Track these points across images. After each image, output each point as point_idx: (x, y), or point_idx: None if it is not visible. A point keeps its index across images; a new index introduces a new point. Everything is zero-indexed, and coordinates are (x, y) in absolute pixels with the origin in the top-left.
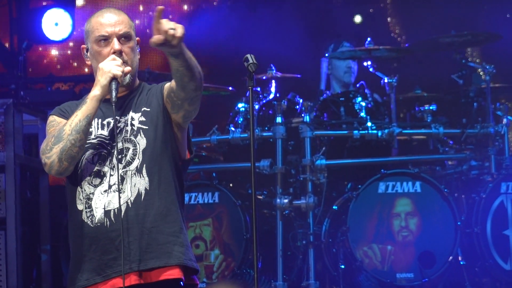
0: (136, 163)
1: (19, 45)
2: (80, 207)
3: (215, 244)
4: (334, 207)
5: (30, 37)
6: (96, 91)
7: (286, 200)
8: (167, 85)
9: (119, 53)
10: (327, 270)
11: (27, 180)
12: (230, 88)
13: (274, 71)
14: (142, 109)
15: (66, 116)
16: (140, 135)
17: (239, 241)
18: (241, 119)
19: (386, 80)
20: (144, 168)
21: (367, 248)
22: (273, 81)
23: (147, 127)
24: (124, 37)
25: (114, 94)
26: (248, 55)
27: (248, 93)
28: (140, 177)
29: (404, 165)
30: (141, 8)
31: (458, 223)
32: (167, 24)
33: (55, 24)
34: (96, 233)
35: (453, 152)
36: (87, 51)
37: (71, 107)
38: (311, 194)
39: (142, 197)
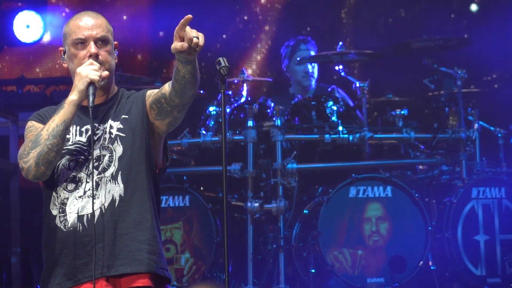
0: (112, 170)
1: None
2: (54, 212)
3: (185, 247)
4: (305, 211)
5: (1, 39)
6: (73, 96)
7: (257, 204)
8: (150, 92)
9: (95, 56)
10: (297, 274)
11: None
12: (201, 92)
13: (246, 75)
14: (121, 117)
15: (45, 121)
16: (117, 142)
17: (210, 245)
18: (212, 122)
19: (357, 85)
20: (119, 175)
21: (338, 253)
22: (245, 84)
23: (124, 135)
24: (101, 41)
25: (91, 99)
26: (221, 58)
27: (219, 96)
28: (115, 184)
29: (375, 170)
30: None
31: (429, 228)
32: (192, 33)
33: (27, 26)
34: (69, 237)
35: (424, 156)
36: (64, 54)
37: (50, 112)
38: (282, 198)
39: (116, 203)
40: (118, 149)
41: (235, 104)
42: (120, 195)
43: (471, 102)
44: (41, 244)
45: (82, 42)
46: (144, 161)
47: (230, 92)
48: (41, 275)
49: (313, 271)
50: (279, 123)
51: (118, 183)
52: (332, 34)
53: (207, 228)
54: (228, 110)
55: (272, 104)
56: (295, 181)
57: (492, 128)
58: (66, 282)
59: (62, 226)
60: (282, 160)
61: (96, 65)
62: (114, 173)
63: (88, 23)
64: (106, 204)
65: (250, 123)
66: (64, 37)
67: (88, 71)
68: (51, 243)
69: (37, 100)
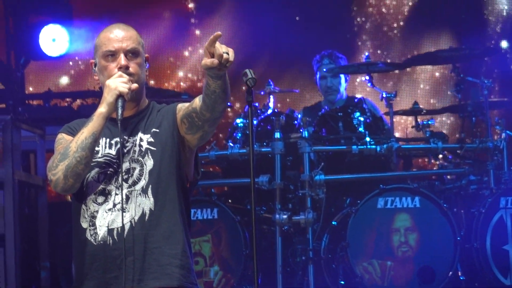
0: (142, 183)
1: (16, 61)
2: (84, 225)
3: (214, 260)
4: (333, 223)
5: (28, 53)
6: (102, 109)
7: (285, 216)
8: (181, 105)
9: (125, 68)
10: (326, 286)
11: (26, 196)
12: (228, 104)
13: (272, 86)
14: (152, 130)
15: (74, 133)
16: (148, 155)
17: (239, 257)
18: (240, 134)
19: (384, 95)
20: (149, 189)
21: (367, 264)
22: (271, 96)
23: (155, 149)
24: (131, 53)
25: (120, 112)
26: (247, 70)
27: (246, 108)
28: (145, 197)
29: (403, 180)
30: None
31: (458, 238)
32: (221, 49)
33: (53, 40)
34: (99, 251)
35: (452, 167)
36: (95, 66)
37: (80, 125)
38: (310, 210)
39: (146, 217)
40: (149, 163)
41: (262, 116)
42: (150, 209)
43: (498, 111)
44: (72, 256)
45: (113, 54)
46: (174, 175)
47: (257, 104)
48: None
49: (342, 282)
50: (306, 135)
51: (148, 197)
52: (358, 46)
53: (235, 240)
54: (255, 122)
55: (299, 116)
56: (323, 193)
57: None
58: None
59: (92, 240)
60: (310, 171)
61: (125, 77)
62: (144, 187)
63: (119, 35)
64: (136, 218)
65: (277, 135)
66: (95, 49)
67: (117, 83)
68: (81, 256)
69: (64, 114)
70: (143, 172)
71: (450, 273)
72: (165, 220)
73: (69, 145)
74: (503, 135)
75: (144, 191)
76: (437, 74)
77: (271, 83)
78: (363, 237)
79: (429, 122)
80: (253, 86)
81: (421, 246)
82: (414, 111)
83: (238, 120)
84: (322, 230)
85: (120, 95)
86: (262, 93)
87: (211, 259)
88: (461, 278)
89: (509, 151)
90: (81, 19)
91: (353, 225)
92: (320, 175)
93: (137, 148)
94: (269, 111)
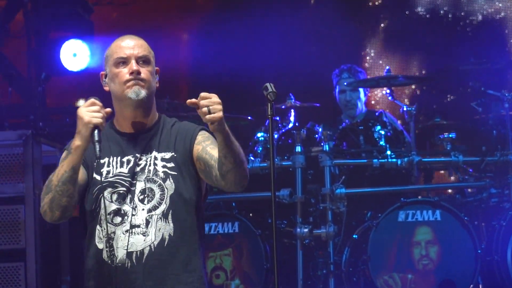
0: (163, 207)
1: (37, 76)
2: (100, 246)
3: (235, 274)
4: (354, 236)
5: (48, 68)
6: (77, 142)
7: (306, 230)
8: (201, 138)
9: (136, 73)
10: None
11: None
12: (249, 118)
13: (293, 100)
14: (169, 153)
15: None
16: (169, 180)
17: (260, 271)
18: (260, 148)
19: (405, 109)
20: (170, 214)
21: (388, 277)
22: (292, 110)
23: (176, 173)
24: (142, 60)
25: (97, 148)
26: (268, 84)
27: (267, 122)
28: (166, 222)
29: (424, 194)
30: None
31: (479, 251)
32: (203, 101)
33: (73, 55)
34: (116, 273)
35: (473, 180)
36: (105, 77)
37: None
38: (331, 223)
39: (166, 242)
40: (170, 187)
41: (283, 130)
42: (169, 235)
43: None
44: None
45: (124, 62)
46: (194, 200)
47: (277, 118)
48: None
49: None
50: (327, 148)
51: (168, 222)
52: (378, 59)
53: (256, 254)
54: (276, 136)
55: (320, 130)
56: (344, 206)
57: None
58: None
59: (109, 261)
60: (331, 185)
61: (97, 106)
62: (165, 211)
63: (130, 43)
64: (155, 243)
65: (298, 149)
66: (106, 60)
67: (89, 116)
68: (96, 277)
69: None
70: (164, 196)
71: (471, 286)
72: (184, 247)
73: (51, 178)
74: None
75: (164, 216)
76: (458, 87)
77: (292, 96)
78: (384, 250)
79: (450, 136)
80: (274, 100)
81: (442, 259)
82: (434, 124)
83: (259, 134)
84: (343, 243)
85: (95, 128)
86: (283, 107)
87: (232, 273)
88: None
89: None
90: (102, 34)
91: (374, 238)
92: (341, 189)
93: (151, 168)
94: (290, 125)
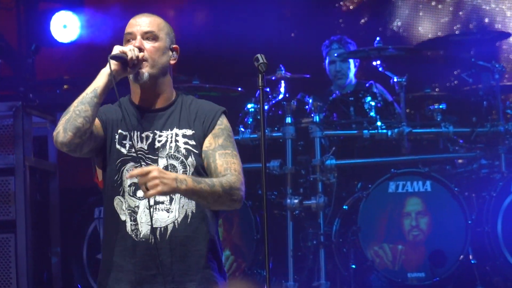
0: None
1: (27, 48)
2: (123, 217)
3: (225, 245)
4: (344, 207)
5: (39, 39)
6: (106, 67)
7: (296, 201)
8: (216, 134)
9: (138, 49)
10: (337, 270)
11: (37, 182)
12: (239, 89)
13: (283, 71)
14: (190, 130)
15: (102, 115)
16: (192, 156)
17: (250, 242)
18: (251, 119)
19: (395, 80)
20: None
21: (378, 248)
22: (283, 81)
23: (197, 151)
24: (149, 36)
25: (112, 68)
26: (259, 55)
27: (257, 93)
28: (188, 199)
29: (414, 165)
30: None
31: (469, 222)
32: (140, 180)
33: (64, 26)
34: (140, 247)
35: (463, 151)
36: None
37: (109, 109)
38: (321, 194)
39: (189, 219)
40: (192, 164)
41: (273, 101)
42: (192, 211)
43: (510, 95)
44: (101, 244)
45: (132, 39)
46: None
47: (268, 89)
48: (98, 275)
49: (353, 266)
50: (317, 120)
51: (190, 199)
52: (368, 30)
53: (247, 225)
54: (266, 107)
55: (310, 101)
56: (334, 177)
57: None
58: None
59: (133, 235)
60: (321, 156)
61: (133, 47)
62: None
63: (139, 20)
64: (179, 220)
65: (288, 120)
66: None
67: (128, 48)
68: (118, 249)
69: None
70: (186, 173)
71: (461, 256)
72: (205, 223)
73: (73, 103)
74: None
75: None
76: (448, 58)
77: (282, 68)
78: (374, 221)
79: (440, 107)
80: (265, 71)
81: (432, 230)
82: (425, 95)
83: (249, 105)
84: (333, 214)
85: (121, 56)
86: (273, 78)
87: (222, 244)
88: (472, 261)
89: None
90: (92, 6)
91: (364, 209)
92: (331, 160)
93: (173, 144)
94: (280, 96)
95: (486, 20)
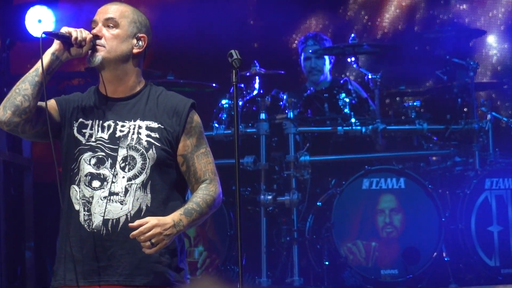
0: (143, 177)
1: (2, 42)
2: (77, 207)
3: (199, 240)
4: (318, 204)
5: (13, 34)
6: (53, 47)
7: (270, 197)
8: (189, 133)
9: (94, 37)
10: (311, 267)
11: (11, 176)
12: (214, 85)
13: (258, 67)
14: (155, 123)
15: (62, 103)
16: (152, 150)
17: (223, 238)
18: (225, 115)
19: (370, 76)
20: (149, 185)
21: (351, 245)
22: (257, 77)
23: (159, 145)
24: (110, 24)
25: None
26: (233, 51)
27: (232, 89)
28: (144, 193)
29: (388, 161)
30: None
31: (443, 219)
32: (142, 237)
33: (38, 21)
34: (91, 238)
35: (437, 148)
36: None
37: (74, 97)
38: (295, 191)
39: (142, 213)
40: (152, 157)
41: (248, 97)
42: (147, 205)
43: (484, 92)
44: (57, 234)
45: (96, 26)
46: (175, 173)
47: (242, 85)
48: (54, 264)
49: (327, 263)
50: (291, 116)
51: (146, 193)
52: (343, 26)
53: (220, 221)
54: (240, 103)
55: (285, 97)
56: (308, 174)
57: (505, 119)
58: (80, 280)
59: (86, 225)
60: (295, 152)
61: (82, 29)
62: (144, 181)
63: (103, 8)
64: (132, 212)
65: (262, 116)
66: None
67: (68, 28)
68: (71, 238)
69: (50, 94)
70: (145, 166)
71: (435, 254)
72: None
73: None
74: (489, 116)
75: (144, 185)
76: (423, 55)
77: (257, 64)
78: (348, 218)
79: (415, 104)
80: (239, 67)
81: (406, 227)
82: (399, 92)
83: (224, 101)
84: (307, 210)
85: (68, 36)
86: (247, 74)
87: (195, 240)
88: (446, 259)
89: (494, 132)
90: (67, 0)
91: (338, 206)
92: (305, 156)
93: (135, 136)
94: (255, 92)
95: (461, 17)
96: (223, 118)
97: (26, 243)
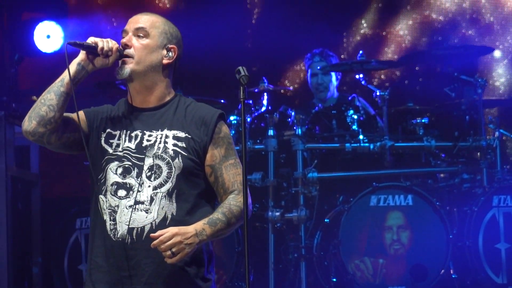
0: (168, 186)
1: (10, 58)
2: (104, 217)
3: None
4: (326, 220)
5: (22, 49)
6: (79, 56)
7: (277, 213)
8: (217, 143)
9: (123, 46)
10: (318, 283)
11: (19, 192)
12: (222, 101)
13: (266, 84)
14: (182, 133)
15: (90, 113)
16: (179, 159)
17: (231, 254)
18: (233, 131)
19: (378, 93)
20: (174, 193)
21: (359, 261)
22: (265, 93)
23: (186, 154)
24: (139, 33)
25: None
26: (240, 67)
27: (240, 105)
28: (170, 201)
29: (396, 178)
30: None
31: (450, 236)
32: (163, 246)
33: (47, 36)
34: (116, 247)
35: (445, 165)
36: None
37: (103, 109)
38: (303, 207)
39: (168, 221)
40: (178, 166)
41: (256, 113)
42: (172, 214)
43: (492, 110)
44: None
45: (125, 35)
46: (202, 183)
47: (250, 102)
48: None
49: (334, 280)
50: (299, 132)
51: (172, 202)
52: (351, 44)
53: (228, 237)
54: (248, 119)
55: (293, 113)
56: (316, 190)
57: None
58: None
59: (111, 234)
60: (303, 169)
61: (109, 39)
62: (170, 190)
63: (135, 17)
64: (157, 221)
65: (270, 132)
66: None
67: (95, 38)
68: (98, 248)
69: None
70: (171, 175)
71: (442, 271)
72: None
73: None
74: (496, 133)
75: (169, 194)
76: (431, 72)
77: (265, 80)
78: (356, 234)
79: (423, 121)
80: (246, 83)
81: (414, 244)
82: (407, 109)
83: (232, 117)
84: (315, 227)
85: (95, 46)
86: (256, 90)
87: None
88: (453, 276)
89: (502, 149)
90: (75, 16)
91: (345, 222)
92: (313, 173)
93: (162, 145)
94: (263, 109)
95: (469, 33)
96: (231, 134)
97: (34, 258)
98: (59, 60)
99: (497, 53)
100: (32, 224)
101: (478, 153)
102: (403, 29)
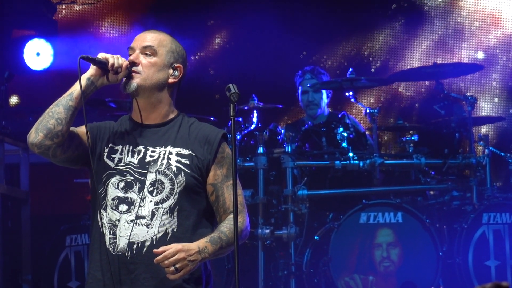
0: (170, 202)
1: (0, 75)
2: (104, 231)
3: None
4: (315, 238)
5: (12, 66)
6: (89, 71)
7: (267, 231)
8: (219, 163)
9: (131, 63)
10: None
11: (9, 210)
12: (212, 118)
13: (256, 101)
14: (186, 150)
15: (94, 128)
16: (182, 175)
17: (221, 272)
18: None
19: (368, 111)
20: (176, 210)
21: (349, 279)
22: (255, 111)
23: (189, 171)
24: (147, 51)
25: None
26: (230, 85)
27: (230, 123)
28: (171, 217)
29: (386, 196)
30: None
31: (440, 253)
32: (167, 262)
33: (37, 54)
34: (116, 261)
35: (435, 182)
36: None
37: (106, 124)
38: (293, 225)
39: (168, 237)
40: (181, 183)
41: (246, 131)
42: (172, 230)
43: (482, 127)
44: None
45: (133, 53)
46: (203, 201)
47: (240, 119)
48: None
49: None
50: (289, 150)
51: (173, 218)
52: (341, 61)
53: None
54: (238, 136)
55: (283, 131)
56: (305, 208)
57: (502, 154)
58: None
59: (111, 248)
60: (293, 186)
61: (119, 56)
62: (172, 206)
63: (142, 35)
64: (158, 236)
65: (260, 150)
66: None
67: (105, 54)
68: (97, 262)
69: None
70: (173, 191)
71: None
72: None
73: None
74: (486, 151)
75: (171, 210)
76: (422, 90)
77: (255, 98)
78: (346, 252)
79: (412, 138)
80: (236, 101)
81: (404, 261)
82: (397, 127)
83: None
84: (305, 244)
85: (105, 62)
86: (245, 108)
87: None
88: None
89: (492, 167)
90: (65, 34)
91: (335, 240)
92: (303, 190)
93: (165, 161)
94: (253, 126)
95: (459, 53)
96: None
97: (24, 276)
98: (49, 78)
99: (488, 72)
100: (22, 241)
101: (468, 171)
102: (395, 47)
